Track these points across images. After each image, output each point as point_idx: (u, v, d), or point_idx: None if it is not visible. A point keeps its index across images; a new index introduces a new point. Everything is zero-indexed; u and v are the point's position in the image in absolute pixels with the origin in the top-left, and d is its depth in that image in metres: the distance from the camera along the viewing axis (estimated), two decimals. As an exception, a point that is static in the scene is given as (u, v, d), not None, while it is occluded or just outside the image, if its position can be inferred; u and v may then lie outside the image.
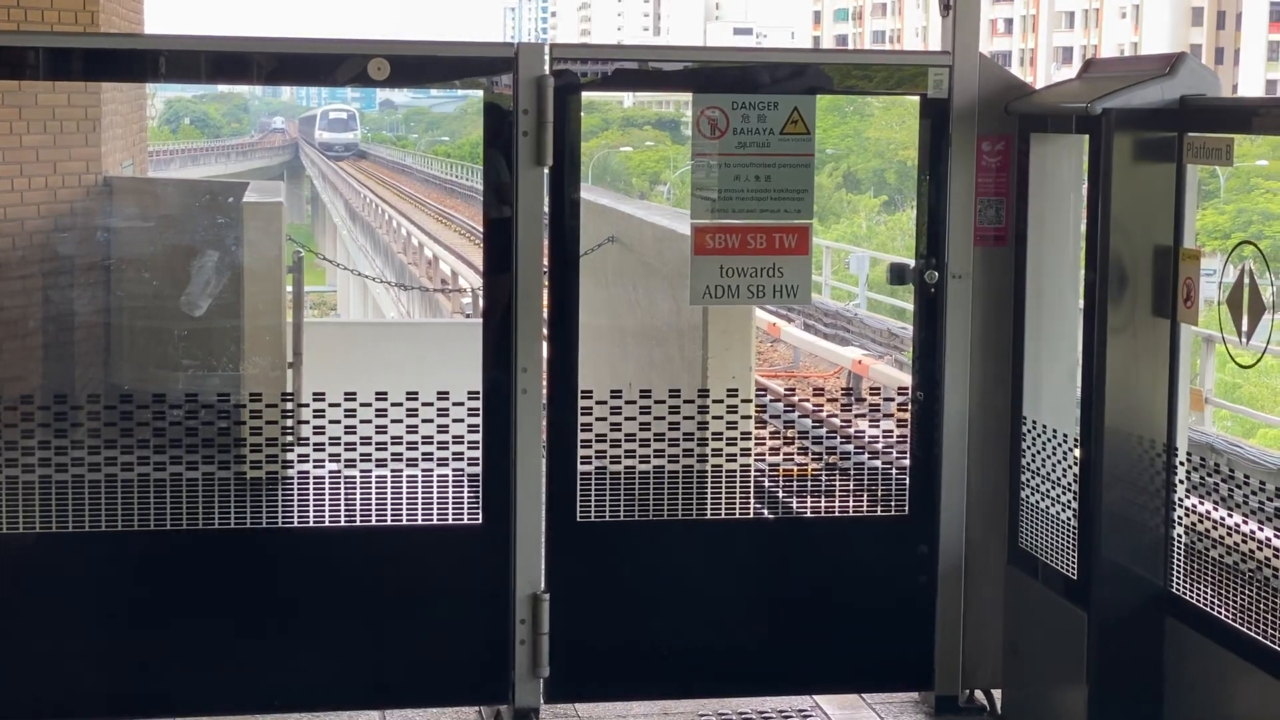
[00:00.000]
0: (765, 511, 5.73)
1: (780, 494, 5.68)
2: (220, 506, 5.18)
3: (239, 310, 6.23)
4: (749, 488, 5.49)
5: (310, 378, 6.92)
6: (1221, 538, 4.71)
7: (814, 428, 5.56)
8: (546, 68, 5.13)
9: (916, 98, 5.39)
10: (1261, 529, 4.54)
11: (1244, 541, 4.61)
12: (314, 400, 5.22)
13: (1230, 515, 4.67)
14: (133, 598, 5.23)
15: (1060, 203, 5.32)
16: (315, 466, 5.24)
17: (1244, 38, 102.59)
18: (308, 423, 5.21)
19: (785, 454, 5.56)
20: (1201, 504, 4.85)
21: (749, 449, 5.44)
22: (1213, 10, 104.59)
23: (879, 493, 5.56)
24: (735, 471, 5.42)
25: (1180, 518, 4.90)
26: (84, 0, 8.15)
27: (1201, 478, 4.82)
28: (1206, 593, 4.78)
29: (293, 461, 5.24)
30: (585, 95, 5.21)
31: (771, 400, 5.81)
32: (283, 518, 5.26)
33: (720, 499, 5.42)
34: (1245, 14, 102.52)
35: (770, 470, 5.57)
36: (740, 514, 5.47)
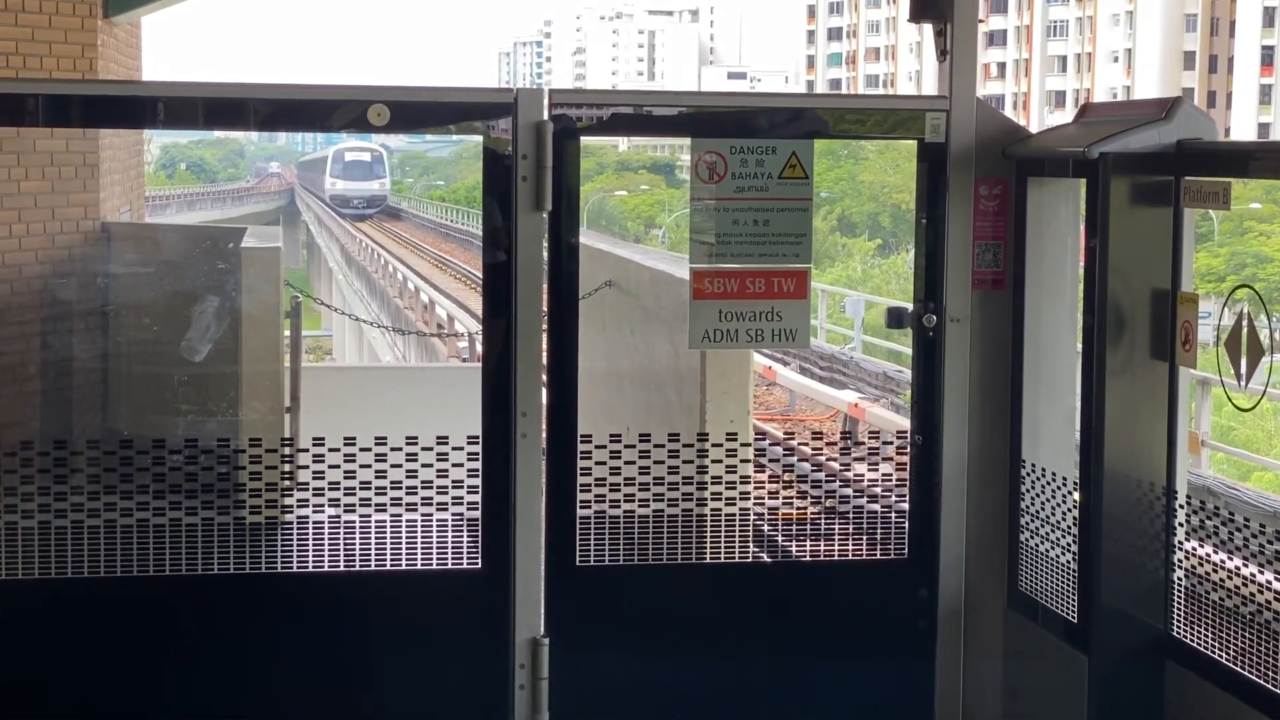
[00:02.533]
0: (764, 555, 5.72)
1: (779, 538, 5.67)
2: (219, 551, 5.16)
3: (237, 355, 6.23)
4: (748, 532, 5.48)
5: (308, 422, 6.92)
6: (1221, 581, 4.71)
7: (812, 471, 5.56)
8: (545, 113, 5.15)
9: (914, 142, 5.41)
10: (1262, 572, 4.53)
11: (1244, 585, 4.60)
12: (313, 445, 5.22)
13: (1230, 558, 4.67)
14: (133, 643, 5.20)
15: (1058, 246, 5.34)
16: (315, 511, 5.23)
17: (1235, 82, 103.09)
18: (306, 467, 5.20)
19: (784, 498, 5.56)
20: (1201, 547, 4.84)
21: (748, 493, 5.44)
22: (1204, 55, 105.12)
23: (878, 536, 5.55)
24: (734, 516, 5.41)
25: (1180, 561, 4.90)
26: (83, 47, 8.20)
27: (1201, 521, 4.81)
28: (1206, 636, 4.77)
29: (292, 506, 5.24)
30: (583, 140, 5.22)
31: (770, 444, 5.81)
32: (282, 563, 5.25)
33: (719, 543, 5.41)
34: (1236, 58, 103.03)
35: (769, 514, 5.56)
36: (739, 558, 5.46)
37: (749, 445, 5.45)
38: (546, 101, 5.16)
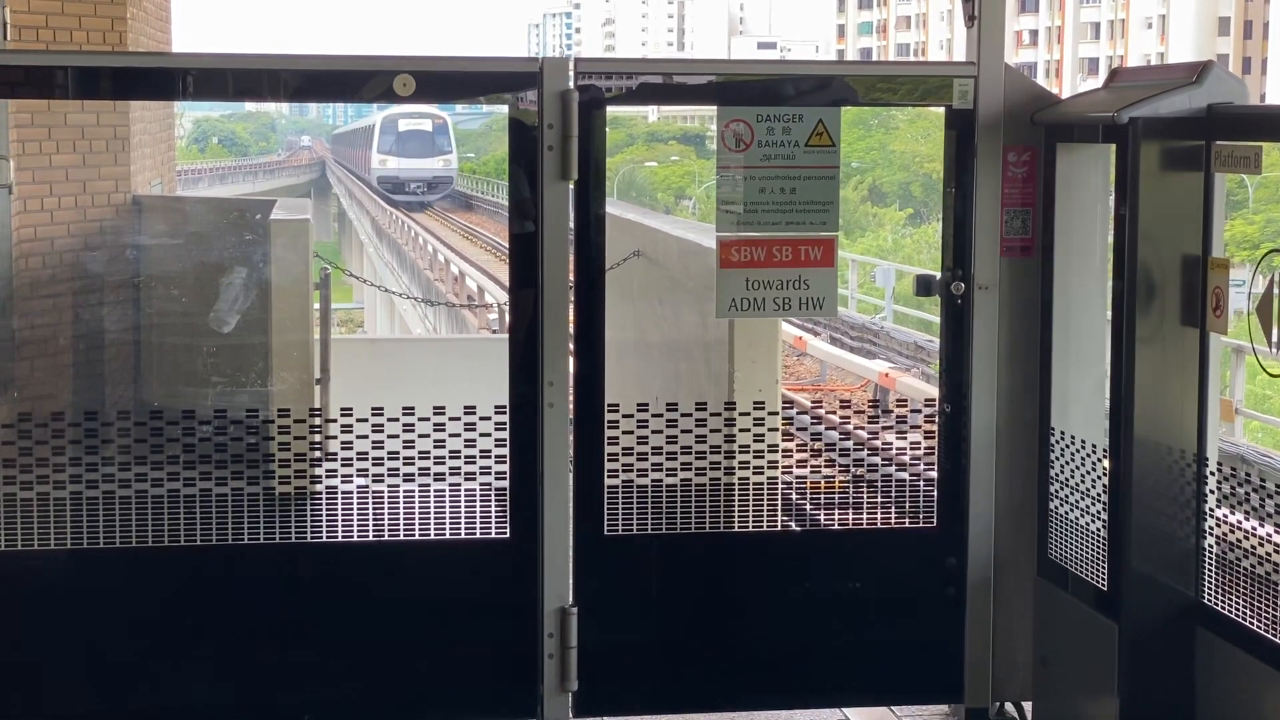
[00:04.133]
0: (793, 524, 5.72)
1: (808, 506, 5.67)
2: (250, 522, 5.19)
3: (267, 327, 6.25)
4: (776, 500, 5.48)
5: (338, 394, 6.94)
6: (1253, 548, 4.68)
7: (840, 440, 5.55)
8: (571, 82, 5.14)
9: (941, 109, 5.39)
10: (1292, 539, 4.51)
11: (1275, 552, 4.58)
12: (341, 416, 5.23)
13: (1261, 525, 4.64)
14: (163, 612, 5.24)
15: (1087, 213, 5.31)
16: (343, 482, 5.25)
17: (1271, 47, 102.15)
18: (335, 438, 5.22)
19: (813, 466, 5.56)
20: (1232, 514, 4.82)
21: (776, 462, 5.43)
22: (1239, 20, 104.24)
23: (907, 504, 5.55)
24: (762, 484, 5.41)
25: (1211, 528, 4.88)
26: (112, 20, 8.21)
27: (1232, 488, 4.79)
28: (1237, 603, 4.75)
29: (321, 477, 5.26)
30: (610, 110, 5.21)
31: (798, 413, 5.80)
32: (311, 533, 5.27)
33: (748, 512, 5.41)
34: (1272, 23, 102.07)
35: (798, 483, 5.56)
36: (768, 526, 5.46)
37: (776, 414, 5.45)
38: (572, 70, 5.15)
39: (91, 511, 5.12)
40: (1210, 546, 4.87)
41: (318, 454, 5.24)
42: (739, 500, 5.40)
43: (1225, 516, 4.85)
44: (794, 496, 5.66)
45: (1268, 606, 4.62)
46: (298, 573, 5.29)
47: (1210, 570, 4.87)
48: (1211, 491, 4.86)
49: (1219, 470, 4.86)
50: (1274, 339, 4.61)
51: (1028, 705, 5.55)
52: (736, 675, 5.47)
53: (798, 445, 5.57)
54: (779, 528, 5.55)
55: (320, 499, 5.27)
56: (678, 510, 5.37)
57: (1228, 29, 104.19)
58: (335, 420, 5.24)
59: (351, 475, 5.24)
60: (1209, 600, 4.86)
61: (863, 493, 5.53)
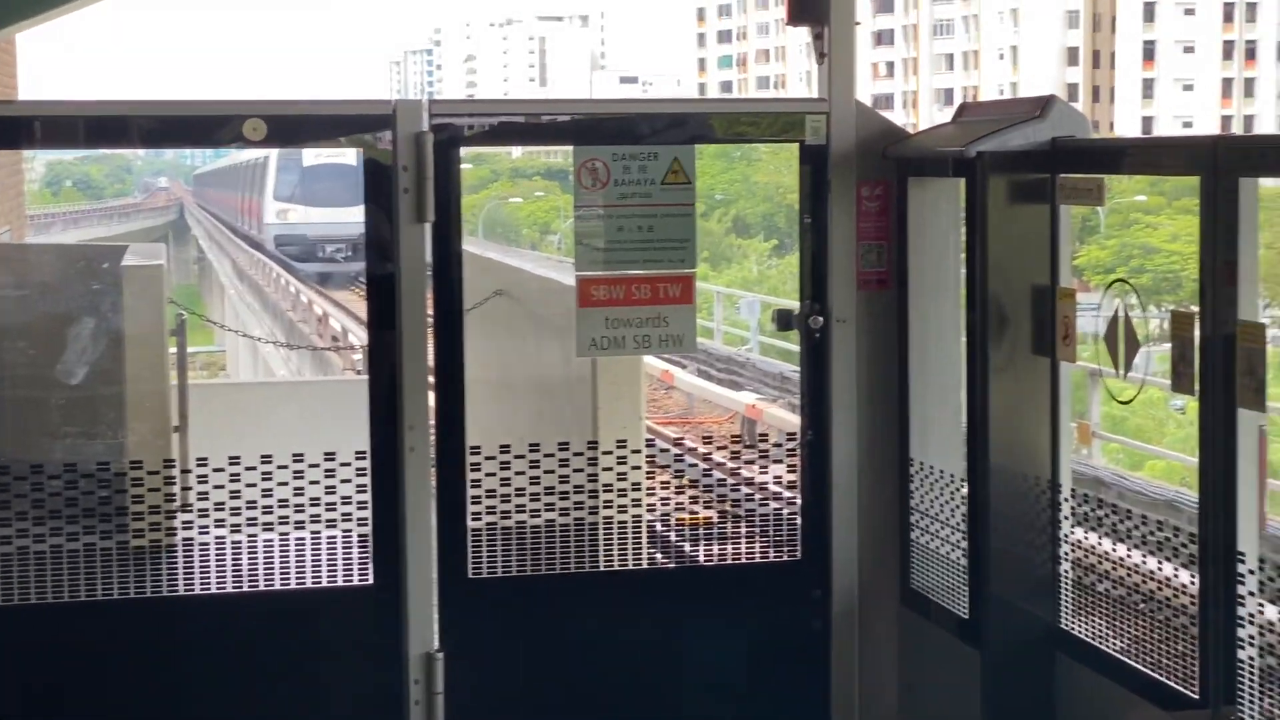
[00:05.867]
0: (660, 560, 5.72)
1: (674, 542, 5.67)
2: (103, 577, 5.08)
3: (120, 376, 6.13)
4: (641, 538, 5.48)
5: (198, 441, 6.82)
6: (1107, 571, 4.77)
7: (704, 476, 5.57)
8: (425, 124, 5.12)
9: (796, 145, 5.44)
10: (1145, 561, 4.60)
11: (1129, 575, 4.67)
12: (197, 465, 5.15)
13: (1115, 548, 4.73)
14: (18, 672, 5.10)
15: (940, 245, 5.39)
16: (201, 533, 5.16)
17: (1118, 76, 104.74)
18: (192, 489, 5.13)
19: (677, 503, 5.56)
20: (1087, 538, 4.90)
21: (640, 499, 5.43)
22: (1088, 50, 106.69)
23: (771, 537, 5.57)
24: (627, 522, 5.40)
25: (1067, 553, 4.96)
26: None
27: (1087, 513, 4.88)
28: (1095, 626, 4.83)
29: (177, 529, 5.16)
30: (469, 149, 5.20)
31: (662, 450, 5.81)
32: (168, 586, 5.17)
33: (613, 550, 5.40)
34: (1119, 53, 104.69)
35: (663, 519, 5.56)
36: (634, 565, 5.45)
37: (640, 452, 5.45)
38: (426, 113, 5.13)
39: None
40: (1067, 571, 4.95)
41: (173, 505, 5.14)
42: (604, 539, 5.39)
43: (1080, 541, 4.93)
44: (660, 533, 5.66)
45: (1124, 629, 4.70)
46: (155, 627, 5.18)
47: (1068, 595, 4.95)
48: (1066, 517, 4.94)
49: (1073, 495, 4.94)
50: (1121, 366, 4.70)
51: (895, 734, 5.59)
52: (606, 714, 5.44)
53: (661, 483, 5.58)
54: (644, 565, 5.55)
55: (177, 551, 5.17)
56: (542, 551, 5.35)
57: (1077, 59, 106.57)
58: (190, 471, 5.15)
59: (209, 526, 5.15)
60: (1067, 625, 4.94)
61: (728, 526, 5.54)
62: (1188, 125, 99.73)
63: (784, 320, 5.59)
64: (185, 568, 5.17)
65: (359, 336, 18.64)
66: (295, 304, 26.55)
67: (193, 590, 5.17)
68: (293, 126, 5.20)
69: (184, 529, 5.16)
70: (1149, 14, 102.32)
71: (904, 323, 5.40)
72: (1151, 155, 4.95)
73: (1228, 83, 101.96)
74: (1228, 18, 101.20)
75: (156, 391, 6.45)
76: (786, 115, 5.57)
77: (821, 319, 5.45)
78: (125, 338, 6.17)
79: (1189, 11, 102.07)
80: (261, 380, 19.97)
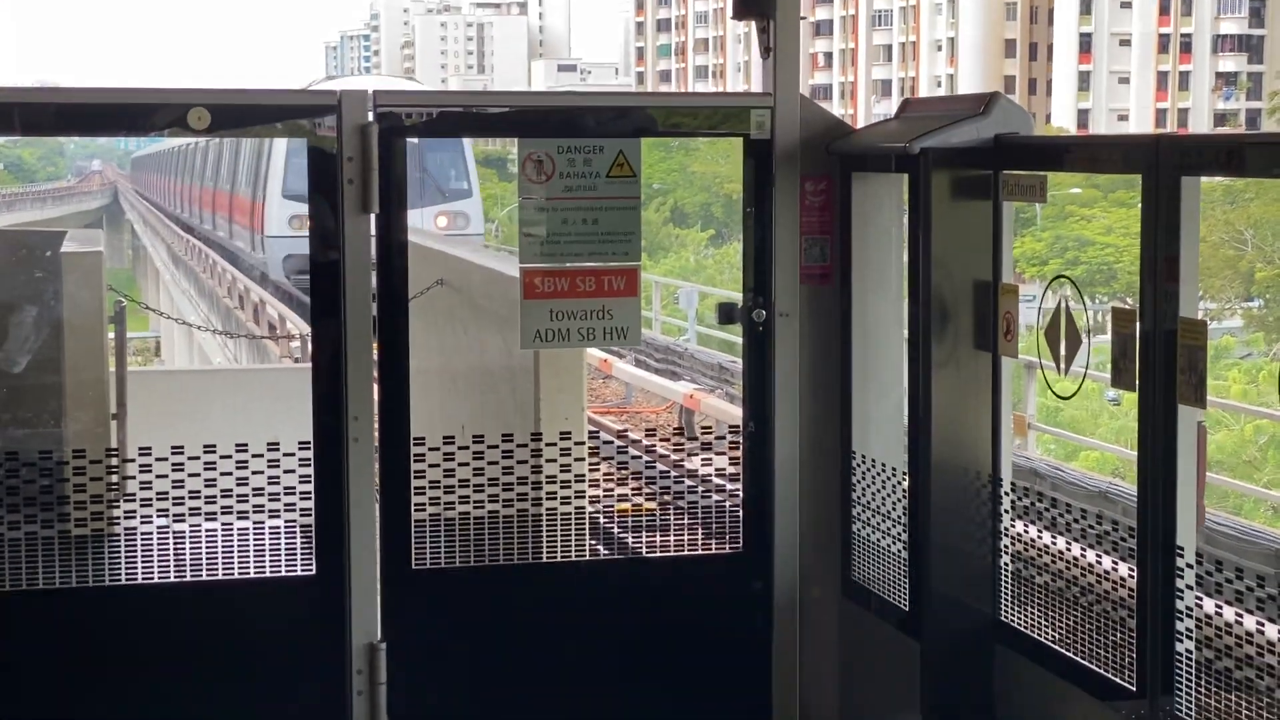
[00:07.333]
0: (602, 552, 5.74)
1: (616, 533, 5.69)
2: (44, 566, 5.04)
3: (60, 365, 6.08)
4: (584, 529, 5.49)
5: (136, 430, 6.77)
6: (1047, 564, 4.82)
7: (647, 467, 5.59)
8: (370, 115, 5.10)
9: (740, 139, 5.46)
10: (1084, 554, 4.66)
11: (1067, 567, 4.73)
12: (140, 455, 5.11)
13: (1054, 541, 4.79)
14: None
15: (883, 240, 5.42)
16: (143, 522, 5.13)
17: (1055, 69, 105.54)
18: (134, 478, 5.10)
19: (620, 494, 5.58)
20: (1027, 531, 4.96)
21: (583, 491, 5.45)
22: (1025, 43, 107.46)
23: (714, 529, 5.60)
24: (570, 514, 5.42)
25: (1006, 546, 5.01)
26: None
27: (1026, 506, 4.93)
28: (1033, 618, 4.89)
29: (119, 518, 5.13)
30: (410, 140, 5.18)
31: (605, 441, 5.82)
32: (110, 576, 5.14)
33: (555, 541, 5.42)
34: (1056, 46, 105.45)
35: (606, 510, 5.58)
36: (576, 556, 5.47)
37: (583, 443, 5.46)
38: (371, 104, 5.12)
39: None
40: (1006, 564, 5.01)
41: (115, 494, 5.11)
42: (546, 530, 5.40)
43: (1020, 534, 4.99)
44: (603, 524, 5.68)
45: (1061, 620, 4.76)
46: (96, 617, 5.15)
47: (1007, 587, 5.00)
48: (1006, 511, 5.00)
49: (1013, 489, 4.99)
50: (1061, 361, 4.75)
51: (835, 725, 5.64)
52: (550, 705, 5.46)
53: (604, 474, 5.59)
54: (587, 557, 5.56)
55: (119, 540, 5.14)
56: (485, 542, 5.35)
57: (1014, 51, 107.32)
58: (133, 460, 5.12)
59: (151, 515, 5.12)
60: (1006, 617, 4.99)
61: (670, 518, 5.57)
62: (1123, 119, 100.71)
63: (727, 314, 5.62)
64: (127, 557, 5.14)
65: (295, 324, 18.53)
66: (231, 290, 26.36)
67: (135, 580, 5.14)
68: (238, 115, 5.17)
69: (126, 518, 5.12)
70: (1085, 6, 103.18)
71: (847, 317, 5.43)
72: (1094, 153, 5.00)
73: (1163, 76, 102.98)
74: (1164, 10, 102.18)
75: (97, 379, 6.40)
76: (731, 109, 5.59)
77: (764, 312, 5.47)
78: (65, 325, 6.12)
79: (1125, 5, 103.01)
80: (199, 368, 19.81)
